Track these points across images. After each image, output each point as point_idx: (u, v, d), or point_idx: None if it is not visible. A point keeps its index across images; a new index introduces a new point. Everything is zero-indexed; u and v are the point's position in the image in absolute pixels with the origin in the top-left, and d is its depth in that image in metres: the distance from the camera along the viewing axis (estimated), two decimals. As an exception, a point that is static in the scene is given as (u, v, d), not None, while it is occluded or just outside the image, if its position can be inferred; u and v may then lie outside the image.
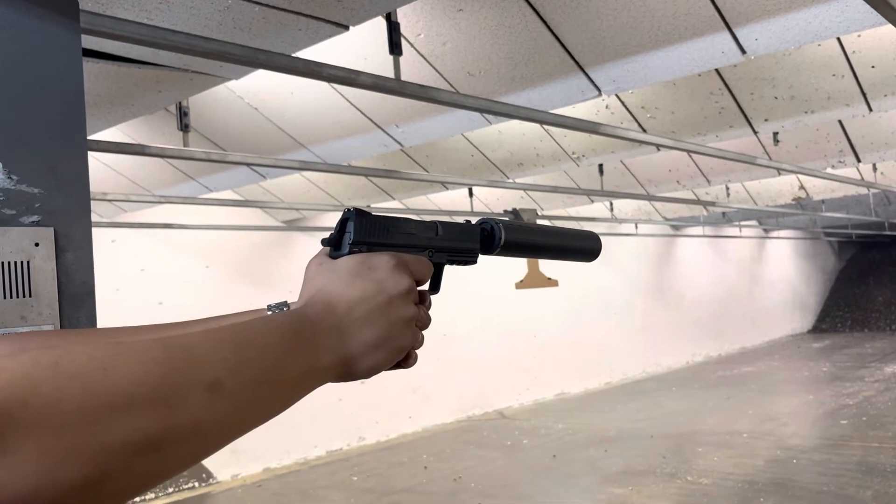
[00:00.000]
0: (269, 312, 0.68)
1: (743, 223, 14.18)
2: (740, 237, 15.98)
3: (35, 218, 1.10)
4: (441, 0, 3.34)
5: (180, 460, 0.47)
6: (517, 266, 8.26)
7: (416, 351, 0.72)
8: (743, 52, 3.25)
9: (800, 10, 3.01)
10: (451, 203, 8.16)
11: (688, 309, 15.09)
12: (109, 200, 5.28)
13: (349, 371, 0.64)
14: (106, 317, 1.14)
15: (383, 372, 0.67)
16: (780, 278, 19.04)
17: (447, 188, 6.68)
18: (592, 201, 8.49)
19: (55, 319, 1.10)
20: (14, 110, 1.10)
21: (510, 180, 6.25)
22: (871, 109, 4.61)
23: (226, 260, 7.87)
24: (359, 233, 0.69)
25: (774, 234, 18.34)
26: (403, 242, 0.72)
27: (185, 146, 3.64)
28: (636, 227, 12.27)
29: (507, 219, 0.84)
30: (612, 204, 9.83)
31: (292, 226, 8.29)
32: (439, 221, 0.77)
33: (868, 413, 8.81)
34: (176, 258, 7.49)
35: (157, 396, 0.45)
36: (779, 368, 13.68)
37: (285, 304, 0.69)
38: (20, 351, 0.44)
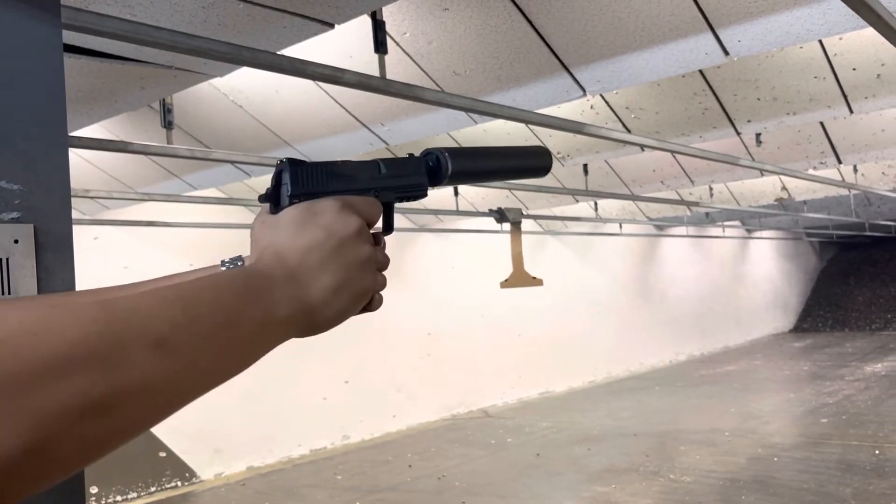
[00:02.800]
0: (223, 267, 0.66)
1: (726, 223, 14.30)
2: (723, 237, 16.10)
3: (14, 215, 1.09)
4: (427, -1, 3.34)
5: (130, 422, 0.46)
6: (502, 265, 8.27)
7: (381, 293, 0.70)
8: (726, 53, 3.27)
9: (782, 13, 3.03)
10: (436, 202, 8.16)
11: (671, 308, 15.19)
12: (91, 198, 5.23)
13: (312, 321, 0.62)
14: None
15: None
16: (763, 278, 19.21)
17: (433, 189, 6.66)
18: (577, 201, 8.53)
19: (35, 317, 1.09)
20: (-7, 106, 1.09)
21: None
22: (851, 111, 4.66)
23: (210, 258, 7.75)
24: (296, 184, 0.66)
25: (757, 234, 18.50)
26: (345, 187, 0.69)
27: (168, 143, 3.62)
28: (620, 226, 12.33)
29: (451, 147, 0.81)
30: (596, 204, 9.88)
31: (277, 224, 8.25)
32: (381, 159, 0.74)
33: (848, 411, 8.91)
34: (160, 256, 7.44)
35: (98, 357, 0.43)
36: (761, 367, 13.81)
37: (240, 258, 0.67)
38: None
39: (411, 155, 0.78)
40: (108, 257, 6.98)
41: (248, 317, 0.55)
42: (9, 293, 1.07)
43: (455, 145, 5.79)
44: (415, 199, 0.78)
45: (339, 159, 0.71)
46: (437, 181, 0.78)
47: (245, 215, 8.04)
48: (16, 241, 1.08)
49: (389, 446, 8.64)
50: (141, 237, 7.25)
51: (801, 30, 3.07)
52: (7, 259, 1.08)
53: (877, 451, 6.89)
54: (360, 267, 0.65)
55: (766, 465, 6.70)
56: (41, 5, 1.16)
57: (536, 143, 5.69)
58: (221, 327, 0.53)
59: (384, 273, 0.70)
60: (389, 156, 5.31)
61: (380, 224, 0.72)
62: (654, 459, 7.18)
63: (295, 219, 0.64)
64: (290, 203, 0.65)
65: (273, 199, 0.67)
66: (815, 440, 7.58)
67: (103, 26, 1.89)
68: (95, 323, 0.45)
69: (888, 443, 7.21)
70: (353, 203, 0.67)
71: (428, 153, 0.78)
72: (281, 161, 0.67)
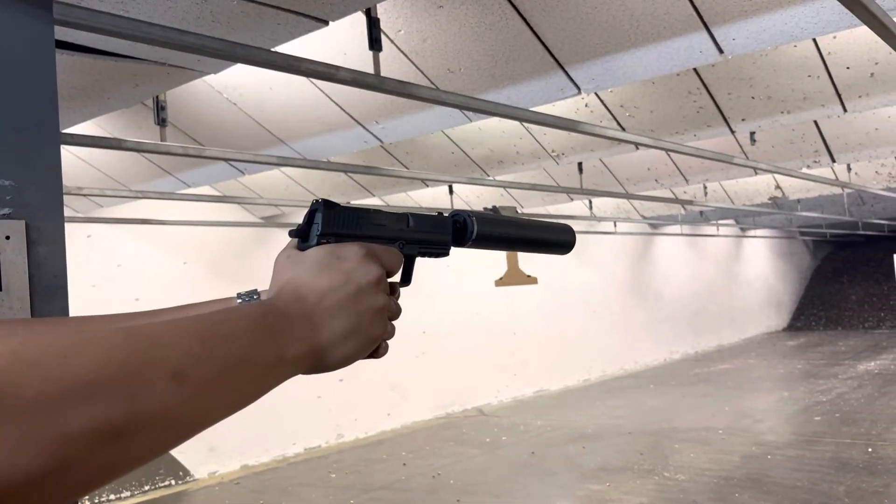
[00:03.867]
0: (238, 302, 0.67)
1: (720, 222, 14.33)
2: (717, 236, 16.14)
3: (6, 211, 1.09)
4: (421, -4, 3.33)
5: (145, 449, 0.47)
6: (497, 263, 8.28)
7: (388, 342, 0.71)
8: (720, 51, 3.28)
9: (776, 12, 3.04)
10: (431, 200, 8.16)
11: (666, 307, 15.22)
12: (85, 195, 5.21)
13: (320, 362, 0.63)
14: (81, 313, 1.13)
15: (353, 364, 0.67)
16: (757, 277, 19.27)
17: (427, 185, 6.68)
18: (572, 199, 8.54)
19: (26, 313, 1.09)
20: (-16, 101, 1.08)
21: (490, 178, 6.26)
22: (845, 110, 4.67)
23: (204, 256, 7.81)
24: (327, 224, 0.68)
25: (751, 233, 18.55)
26: (373, 234, 0.71)
27: (162, 141, 3.60)
28: (615, 225, 12.35)
29: (480, 210, 0.82)
30: (591, 202, 9.89)
31: (271, 222, 8.24)
32: (410, 213, 0.76)
33: (841, 410, 8.94)
34: (153, 254, 7.41)
35: (119, 384, 0.44)
36: (755, 366, 13.85)
37: (255, 292, 0.69)
38: None
39: (440, 213, 0.80)
40: (101, 255, 6.95)
41: (262, 353, 0.57)
42: (0, 290, 1.07)
43: (449, 143, 5.79)
44: (436, 257, 0.80)
45: (372, 207, 0.73)
46: (460, 242, 0.80)
47: (239, 213, 8.02)
48: (7, 238, 1.07)
49: (384, 445, 8.64)
50: (134, 235, 7.22)
51: (794, 28, 3.08)
52: (-2, 255, 1.07)
53: (870, 449, 6.92)
54: (373, 315, 0.66)
55: (760, 463, 6.72)
56: (33, 1, 1.15)
57: (532, 141, 5.69)
58: (237, 363, 0.54)
59: (394, 322, 0.71)
60: (387, 156, 5.27)
61: (398, 275, 0.74)
62: (648, 458, 7.20)
63: (319, 259, 0.66)
64: (318, 242, 0.68)
65: (303, 236, 0.69)
66: (809, 438, 7.61)
67: (96, 22, 1.87)
68: (119, 351, 0.46)
69: (881, 441, 7.24)
70: (376, 252, 0.69)
71: (456, 214, 0.80)
72: (316, 201, 0.69)
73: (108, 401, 0.43)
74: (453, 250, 0.81)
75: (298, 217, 8.35)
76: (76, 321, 0.74)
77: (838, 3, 2.20)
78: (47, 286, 1.13)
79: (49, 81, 1.17)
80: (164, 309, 0.74)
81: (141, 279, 7.22)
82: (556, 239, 0.92)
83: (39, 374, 0.41)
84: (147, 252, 7.37)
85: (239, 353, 0.54)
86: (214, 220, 7.31)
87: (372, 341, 0.67)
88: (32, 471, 0.40)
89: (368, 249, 0.68)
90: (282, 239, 8.91)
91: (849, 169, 8.01)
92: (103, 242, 6.99)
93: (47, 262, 1.13)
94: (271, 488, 7.09)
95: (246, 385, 0.55)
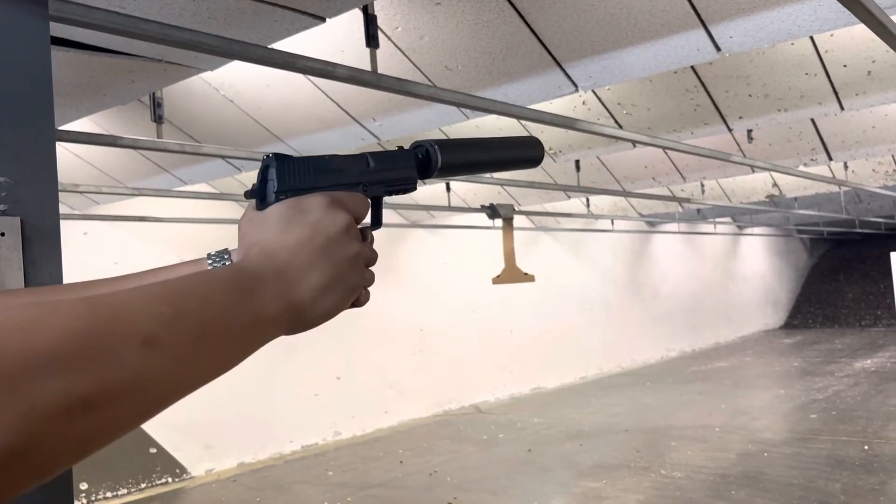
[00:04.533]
0: (209, 263, 0.66)
1: (717, 220, 14.35)
2: (715, 234, 16.16)
3: (1, 207, 1.08)
4: (419, -7, 3.32)
5: (120, 420, 0.45)
6: (494, 261, 8.27)
7: (368, 288, 0.69)
8: (718, 49, 3.28)
9: (774, 9, 3.04)
10: (428, 197, 8.15)
11: (662, 304, 15.24)
12: (81, 192, 5.20)
13: (300, 319, 0.62)
14: None
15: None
16: (754, 274, 19.30)
17: (424, 183, 6.66)
18: (569, 197, 8.53)
19: (21, 311, 1.08)
20: (-21, 97, 1.08)
21: (487, 175, 6.26)
22: (842, 108, 4.67)
23: (200, 253, 7.74)
24: (282, 180, 0.65)
25: (748, 230, 18.58)
26: (333, 182, 0.68)
27: (158, 138, 3.59)
28: (612, 223, 12.35)
29: (441, 139, 0.80)
30: (588, 200, 9.89)
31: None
32: (369, 153, 0.73)
33: (837, 407, 8.96)
34: (150, 251, 7.40)
35: (85, 354, 0.43)
36: (751, 364, 13.88)
37: (226, 251, 0.67)
38: None
39: (400, 147, 0.76)
40: (97, 253, 6.94)
41: (236, 315, 0.55)
42: (-5, 287, 1.06)
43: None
44: (404, 193, 0.77)
45: (326, 154, 0.70)
46: (426, 174, 0.77)
47: (235, 210, 8.01)
48: (2, 235, 1.07)
49: (381, 442, 8.64)
50: (130, 232, 7.21)
51: (792, 26, 3.08)
52: (-7, 252, 1.06)
53: (866, 447, 6.94)
54: (348, 264, 0.64)
55: (756, 461, 6.73)
56: (27, -5, 1.15)
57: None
58: (210, 325, 0.52)
59: (372, 269, 0.69)
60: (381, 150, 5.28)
61: (368, 219, 0.71)
62: (644, 455, 7.21)
63: (282, 216, 0.63)
64: (277, 199, 0.64)
65: (259, 196, 0.66)
66: (805, 436, 7.63)
67: (91, 18, 1.87)
68: (82, 320, 0.44)
69: (877, 438, 7.26)
70: (340, 199, 0.66)
71: (417, 146, 0.77)
72: (267, 156, 0.66)
73: (74, 372, 0.42)
74: (420, 184, 0.78)
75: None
76: (37, 292, 0.72)
77: (836, 2, 2.20)
78: (43, 283, 1.12)
79: (44, 78, 1.16)
80: (128, 275, 0.72)
81: (137, 276, 7.21)
82: (523, 156, 0.88)
83: None
84: (143, 249, 7.35)
85: (213, 315, 0.53)
86: (210, 217, 7.30)
87: (352, 290, 0.65)
88: None
89: (332, 198, 0.65)
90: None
91: (846, 167, 8.02)
92: (99, 239, 6.97)
93: (43, 258, 1.13)
94: (268, 486, 7.09)
95: (223, 348, 0.54)
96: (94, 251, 6.89)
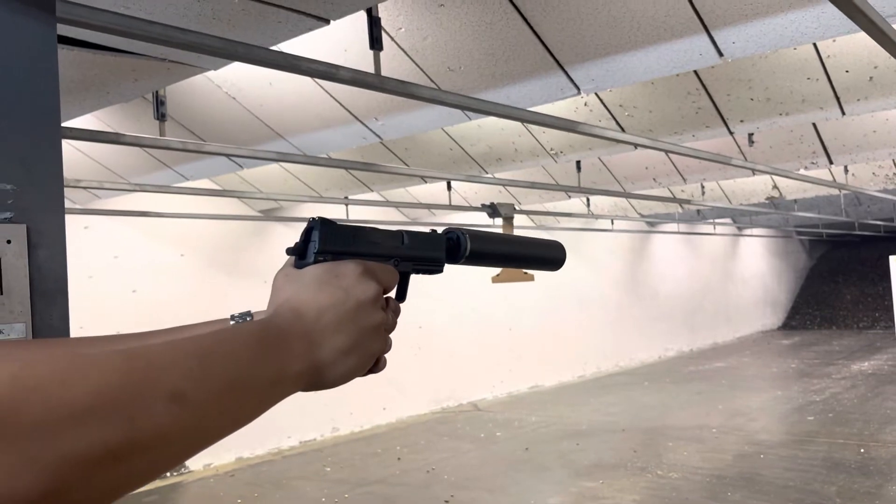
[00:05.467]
0: (232, 323, 0.68)
1: (717, 220, 14.36)
2: (714, 234, 16.18)
3: (7, 215, 1.09)
4: (422, -6, 3.33)
5: (146, 471, 0.47)
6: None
7: (385, 356, 0.72)
8: (720, 54, 3.28)
9: (776, 15, 3.04)
10: (430, 196, 8.16)
11: (661, 304, 15.25)
12: (83, 188, 5.20)
13: (320, 379, 0.64)
14: (79, 304, 1.14)
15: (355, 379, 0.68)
16: (753, 275, 19.32)
17: (426, 181, 6.68)
18: (570, 196, 8.54)
19: (27, 317, 1.09)
20: (-13, 105, 1.09)
21: (488, 175, 6.26)
22: (844, 113, 4.68)
23: (201, 248, 7.80)
24: (324, 242, 0.69)
25: (747, 231, 18.59)
26: (369, 251, 0.72)
27: (161, 135, 3.60)
28: (612, 223, 12.36)
29: (472, 228, 0.83)
30: (588, 199, 9.90)
31: (269, 216, 8.24)
32: (405, 231, 0.77)
33: (834, 409, 8.99)
34: (150, 246, 7.41)
35: (117, 407, 0.45)
36: (749, 364, 13.90)
37: (248, 313, 0.69)
38: None
39: (434, 231, 0.81)
40: (98, 247, 6.95)
41: (261, 371, 0.57)
42: (1, 294, 1.07)
43: (448, 140, 5.79)
44: (431, 273, 0.82)
45: (367, 225, 0.74)
46: (454, 259, 0.82)
47: (237, 206, 8.02)
48: (8, 242, 1.08)
49: (379, 439, 8.67)
50: (132, 227, 7.22)
51: (795, 33, 3.08)
52: (0, 259, 1.07)
53: (862, 450, 6.96)
54: (372, 331, 0.67)
55: (753, 462, 6.76)
56: (36, 3, 1.16)
57: (530, 139, 5.70)
58: (236, 381, 0.55)
59: (391, 336, 0.72)
60: (385, 152, 5.24)
61: (393, 291, 0.75)
62: (641, 455, 7.23)
63: (317, 277, 0.66)
64: (316, 260, 0.68)
65: (300, 253, 0.70)
66: (802, 438, 7.65)
67: (96, 20, 1.87)
68: (118, 373, 0.46)
69: (873, 441, 7.28)
70: (373, 269, 0.70)
71: (449, 231, 0.82)
72: (313, 219, 0.70)
73: (107, 424, 0.44)
74: (447, 267, 0.82)
75: (296, 211, 8.35)
76: (75, 343, 0.74)
77: (838, 9, 2.20)
78: (48, 289, 1.13)
79: (51, 86, 1.17)
80: (159, 330, 0.75)
81: (138, 271, 7.22)
82: (547, 255, 0.94)
83: (39, 398, 0.42)
84: (144, 243, 7.36)
85: (238, 372, 0.55)
86: (212, 212, 7.31)
87: (371, 357, 0.69)
88: (32, 494, 0.40)
89: (366, 267, 0.69)
90: (278, 232, 8.88)
91: (846, 171, 8.03)
92: (101, 233, 6.98)
93: (48, 265, 1.14)
94: (266, 481, 7.11)
95: (245, 404, 0.56)
96: (95, 245, 6.90)
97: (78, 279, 5.57)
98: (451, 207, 7.51)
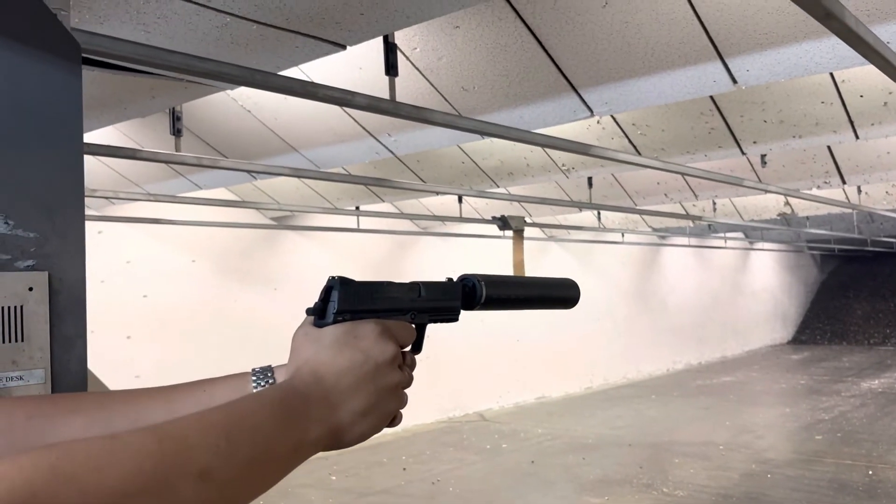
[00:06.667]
0: (254, 379, 0.70)
1: (728, 235, 14.31)
2: (724, 248, 16.12)
3: (30, 262, 1.12)
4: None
5: None
6: (503, 270, 8.29)
7: (401, 411, 0.74)
8: (734, 81, 3.29)
9: (791, 45, 3.05)
10: (441, 207, 8.18)
11: (670, 316, 15.20)
12: (98, 197, 5.25)
13: (339, 440, 0.65)
14: (90, 309, 1.16)
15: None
16: (763, 289, 19.22)
17: (437, 194, 6.69)
18: (581, 210, 8.54)
19: (46, 363, 1.12)
20: (13, 155, 1.11)
21: (500, 189, 6.28)
22: (857, 137, 4.67)
23: (212, 255, 7.85)
24: (343, 301, 0.70)
25: (758, 245, 18.51)
26: (387, 307, 0.73)
27: (176, 150, 3.64)
28: (622, 235, 12.34)
29: (487, 273, 0.85)
30: (599, 213, 9.89)
31: (280, 224, 8.28)
32: (422, 282, 0.78)
33: (843, 429, 8.93)
34: (162, 251, 7.46)
35: (149, 490, 0.47)
36: (757, 379, 13.83)
37: (269, 368, 0.71)
38: (19, 454, 0.46)
39: (449, 279, 0.82)
40: (111, 252, 7.00)
41: (283, 439, 0.59)
42: (22, 340, 1.10)
43: (460, 153, 5.80)
44: (447, 322, 0.83)
45: (384, 280, 0.75)
46: (470, 306, 0.83)
47: (250, 214, 8.06)
48: (30, 289, 1.10)
49: (384, 448, 8.67)
50: (144, 232, 7.27)
51: (809, 62, 3.09)
52: (21, 306, 1.10)
53: (870, 472, 6.92)
54: (389, 392, 0.69)
55: (759, 482, 6.73)
56: (63, 54, 1.18)
57: (542, 154, 5.70)
58: (260, 455, 0.57)
59: (407, 391, 0.74)
60: (397, 164, 5.23)
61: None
62: (647, 471, 7.21)
63: (337, 338, 0.68)
64: (335, 320, 0.69)
65: (319, 313, 0.71)
66: (809, 457, 7.61)
67: (117, 50, 1.91)
68: (150, 457, 0.49)
69: (882, 463, 7.23)
70: (391, 329, 0.71)
71: (465, 278, 0.83)
72: (332, 279, 0.71)
73: None
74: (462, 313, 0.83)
75: (309, 220, 8.39)
76: (101, 401, 0.75)
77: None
78: (67, 335, 1.16)
79: (75, 135, 1.20)
80: (177, 386, 0.76)
81: (149, 276, 7.27)
82: (562, 295, 0.95)
83: (77, 488, 0.44)
84: (156, 249, 7.41)
85: (263, 445, 0.57)
86: (224, 220, 7.35)
87: (388, 416, 0.70)
88: None
89: (384, 327, 0.70)
90: (290, 240, 8.87)
91: (859, 191, 7.99)
92: (113, 239, 7.03)
93: (68, 311, 1.16)
94: (271, 489, 7.13)
95: (267, 474, 0.58)
96: (107, 250, 6.95)
97: (90, 283, 5.60)
98: (462, 220, 7.53)
